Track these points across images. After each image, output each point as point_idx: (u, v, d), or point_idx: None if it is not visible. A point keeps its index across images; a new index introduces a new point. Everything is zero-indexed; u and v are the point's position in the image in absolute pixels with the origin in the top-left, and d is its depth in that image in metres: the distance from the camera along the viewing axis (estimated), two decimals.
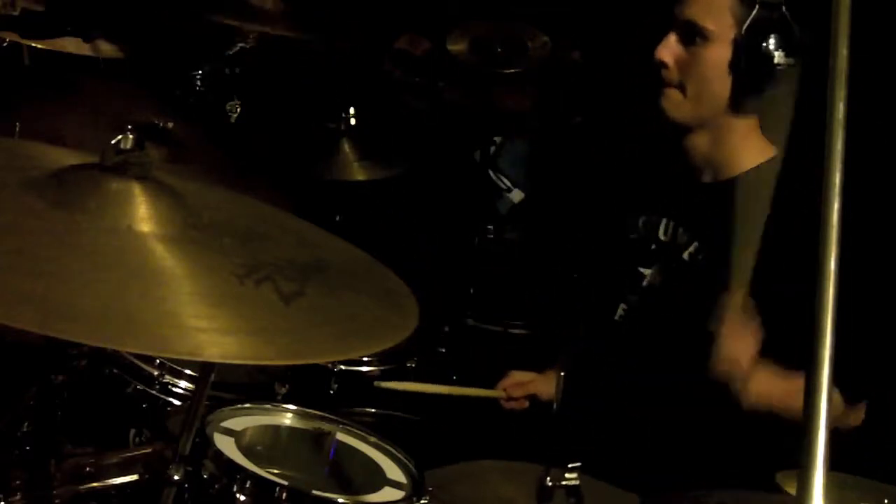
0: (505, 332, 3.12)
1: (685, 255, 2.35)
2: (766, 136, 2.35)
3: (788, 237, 2.15)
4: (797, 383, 2.14)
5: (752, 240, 2.24)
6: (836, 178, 1.02)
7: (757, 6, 2.21)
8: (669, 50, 2.30)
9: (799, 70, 2.21)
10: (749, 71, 2.24)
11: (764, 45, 2.22)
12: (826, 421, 0.97)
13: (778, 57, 2.21)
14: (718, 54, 2.25)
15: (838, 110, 1.03)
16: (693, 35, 2.27)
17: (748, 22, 2.22)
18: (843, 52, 1.05)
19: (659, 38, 2.32)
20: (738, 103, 2.28)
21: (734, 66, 2.24)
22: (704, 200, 2.36)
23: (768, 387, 2.17)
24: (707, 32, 2.25)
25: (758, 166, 2.32)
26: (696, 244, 2.34)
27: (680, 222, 2.40)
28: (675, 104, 2.32)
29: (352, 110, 3.33)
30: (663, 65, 2.31)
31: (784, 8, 2.21)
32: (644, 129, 2.61)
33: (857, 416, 2.27)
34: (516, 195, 3.65)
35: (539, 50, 3.51)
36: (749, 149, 2.34)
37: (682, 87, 2.31)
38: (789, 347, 1.90)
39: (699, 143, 2.35)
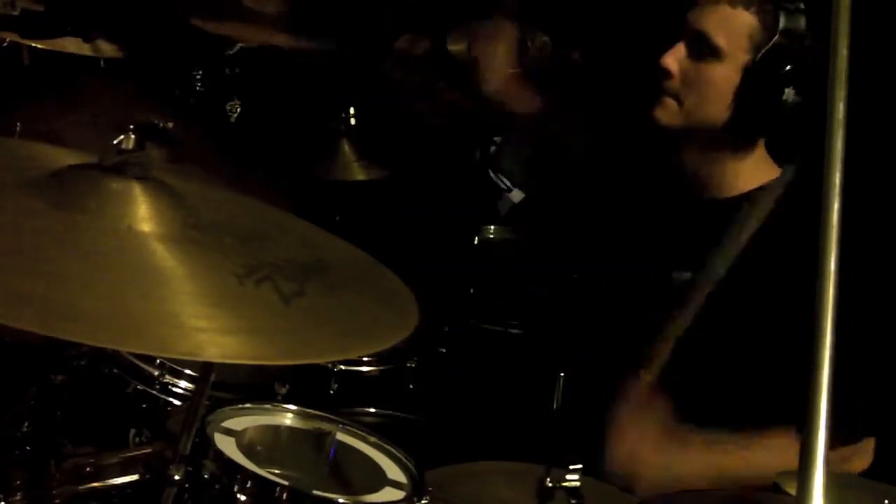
0: (505, 332, 3.12)
1: (678, 278, 2.31)
2: (771, 156, 2.29)
3: (790, 259, 2.13)
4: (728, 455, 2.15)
5: (748, 261, 2.21)
6: (836, 178, 1.02)
7: (778, 34, 2.11)
8: (676, 59, 2.21)
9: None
10: (754, 103, 2.14)
11: (776, 78, 2.11)
12: (826, 421, 0.97)
13: (787, 94, 2.11)
14: (725, 76, 2.15)
15: (838, 110, 1.03)
16: (702, 49, 2.16)
17: (765, 50, 2.11)
18: (843, 52, 1.05)
19: (665, 44, 2.23)
20: (734, 131, 2.19)
21: (739, 93, 2.14)
22: (699, 219, 2.32)
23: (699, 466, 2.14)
24: (718, 50, 2.14)
25: (760, 188, 2.26)
26: (689, 270, 2.29)
27: (673, 239, 2.37)
28: (668, 113, 2.24)
29: (352, 110, 3.32)
30: (667, 73, 2.22)
31: (807, 39, 2.10)
32: (641, 136, 2.59)
33: (865, 459, 2.22)
34: (516, 195, 3.64)
35: (539, 50, 3.50)
36: (749, 169, 2.27)
37: (679, 99, 2.22)
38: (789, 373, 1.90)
39: (691, 159, 2.28)
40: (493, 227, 3.43)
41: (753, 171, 2.27)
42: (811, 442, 0.96)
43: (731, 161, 2.26)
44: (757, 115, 2.16)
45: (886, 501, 1.65)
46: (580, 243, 2.85)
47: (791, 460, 2.06)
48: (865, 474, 1.89)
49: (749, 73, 2.14)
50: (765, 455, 2.12)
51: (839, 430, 1.79)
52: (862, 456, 2.21)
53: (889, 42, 2.66)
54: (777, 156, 2.30)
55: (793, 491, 1.63)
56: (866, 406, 2.14)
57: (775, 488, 1.74)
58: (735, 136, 2.22)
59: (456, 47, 3.50)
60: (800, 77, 2.11)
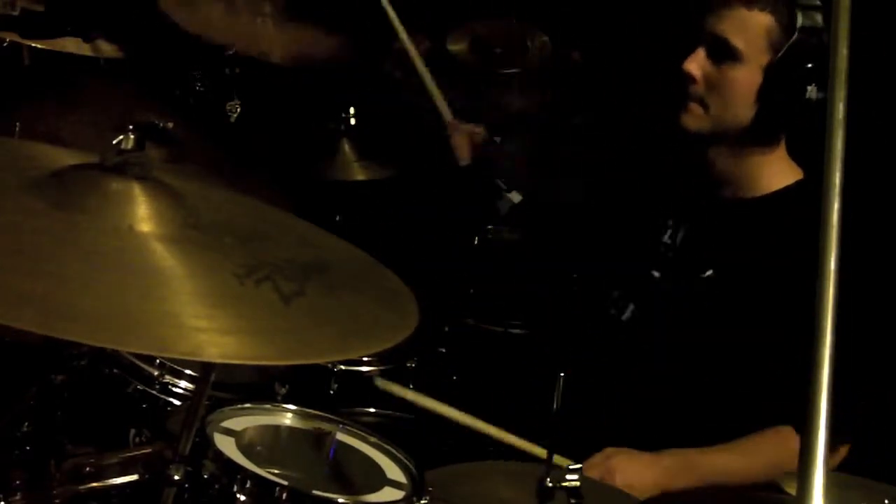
0: (505, 332, 3.12)
1: (701, 277, 2.30)
2: (792, 158, 2.29)
3: (807, 261, 2.11)
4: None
5: (773, 264, 2.20)
6: (836, 178, 1.02)
7: (796, 32, 2.11)
8: (698, 64, 2.21)
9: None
10: (778, 102, 2.15)
11: (797, 76, 2.11)
12: (826, 421, 0.97)
13: (810, 91, 2.11)
14: (747, 77, 2.16)
15: (838, 110, 1.03)
16: (722, 52, 2.18)
17: (785, 48, 2.11)
18: (843, 52, 1.05)
19: (684, 48, 2.23)
20: (760, 130, 2.20)
21: (762, 93, 2.15)
22: (722, 218, 2.32)
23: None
24: (737, 52, 2.15)
25: (783, 189, 2.27)
26: (712, 269, 2.28)
27: (694, 235, 2.35)
28: (695, 118, 2.25)
29: (352, 110, 3.33)
30: (691, 79, 2.22)
31: (825, 34, 2.10)
32: (656, 133, 2.58)
33: (838, 458, 2.21)
34: (516, 195, 3.64)
35: (539, 50, 3.51)
36: (773, 170, 2.27)
37: (704, 104, 2.23)
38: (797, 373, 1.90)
39: (718, 157, 2.29)
40: (492, 227, 3.43)
41: (777, 172, 2.28)
42: (811, 442, 0.96)
43: (756, 161, 2.27)
44: (781, 113, 2.17)
45: (886, 501, 1.65)
46: (580, 243, 2.85)
47: (785, 457, 2.08)
48: (865, 475, 1.88)
49: (770, 72, 2.14)
50: (754, 458, 2.13)
51: (840, 431, 1.79)
52: (840, 452, 2.22)
53: (889, 42, 2.67)
54: (802, 160, 2.29)
55: (793, 491, 1.63)
56: (864, 406, 2.14)
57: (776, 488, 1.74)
58: (760, 136, 2.23)
59: (456, 47, 3.50)
60: (822, 73, 2.11)
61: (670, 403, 2.28)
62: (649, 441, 2.25)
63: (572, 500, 1.67)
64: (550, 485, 1.67)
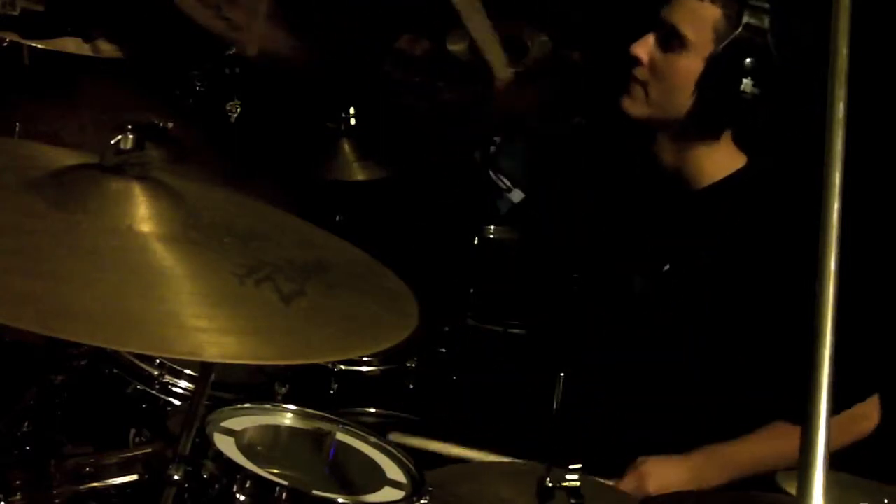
0: (505, 332, 3.12)
1: (662, 272, 2.35)
2: (736, 145, 2.34)
3: (767, 244, 2.17)
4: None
5: (724, 251, 2.25)
6: (836, 178, 1.02)
7: (741, 27, 2.19)
8: (645, 49, 2.29)
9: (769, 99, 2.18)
10: (714, 91, 2.22)
11: (734, 68, 2.18)
12: (826, 421, 0.97)
13: (745, 84, 2.18)
14: (690, 65, 2.23)
15: (838, 110, 1.03)
16: (671, 40, 2.25)
17: (727, 41, 2.19)
18: (843, 52, 1.05)
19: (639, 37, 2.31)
20: (699, 120, 2.26)
21: (702, 82, 2.22)
22: (673, 212, 2.37)
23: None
24: (685, 41, 2.23)
25: (726, 177, 2.32)
26: (669, 262, 2.34)
27: (654, 233, 2.40)
28: (636, 104, 2.32)
29: (352, 110, 3.33)
30: (637, 61, 2.30)
31: (769, 36, 2.18)
32: (629, 133, 2.62)
33: (871, 420, 2.25)
34: (516, 195, 3.64)
35: (539, 50, 3.51)
36: (716, 159, 2.33)
37: (646, 89, 2.30)
38: (776, 353, 1.93)
39: (663, 150, 2.35)
40: (493, 227, 3.43)
41: (721, 162, 2.34)
42: (811, 442, 0.96)
43: (700, 153, 2.33)
44: (717, 103, 2.23)
45: (886, 501, 1.65)
46: (580, 243, 2.85)
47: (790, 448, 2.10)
48: (865, 475, 1.88)
49: (710, 62, 2.21)
50: (761, 448, 2.15)
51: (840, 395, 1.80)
52: (868, 417, 2.23)
53: (889, 42, 2.67)
54: (745, 146, 2.34)
55: (793, 491, 1.63)
56: (865, 367, 2.17)
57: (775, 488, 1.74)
58: (700, 127, 2.28)
59: (456, 47, 3.50)
60: (759, 70, 2.18)
61: (660, 401, 2.30)
62: (647, 441, 2.26)
63: (572, 500, 1.67)
64: (550, 485, 1.67)
